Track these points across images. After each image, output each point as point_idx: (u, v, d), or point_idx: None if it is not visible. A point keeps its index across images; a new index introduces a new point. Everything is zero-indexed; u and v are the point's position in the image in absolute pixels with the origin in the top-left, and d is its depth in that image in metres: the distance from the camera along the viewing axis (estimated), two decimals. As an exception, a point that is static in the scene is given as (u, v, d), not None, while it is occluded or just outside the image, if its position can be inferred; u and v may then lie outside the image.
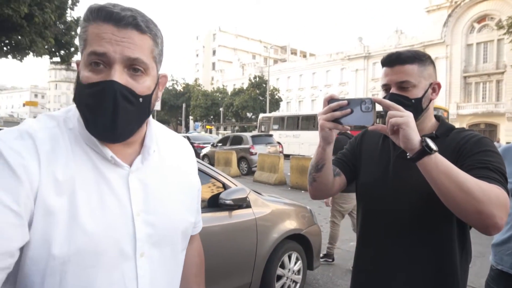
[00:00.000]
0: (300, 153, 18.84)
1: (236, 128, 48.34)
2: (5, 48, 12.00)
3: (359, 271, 1.34)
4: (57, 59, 14.02)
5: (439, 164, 0.95)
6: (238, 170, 13.66)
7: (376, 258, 1.25)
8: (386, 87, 1.20)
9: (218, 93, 53.05)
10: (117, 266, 0.74)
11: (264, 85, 44.20)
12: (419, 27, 46.36)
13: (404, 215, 1.18)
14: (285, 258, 3.23)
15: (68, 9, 13.16)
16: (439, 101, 32.33)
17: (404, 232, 1.18)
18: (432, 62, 1.22)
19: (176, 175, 0.90)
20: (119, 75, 0.71)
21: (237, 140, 15.03)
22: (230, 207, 2.69)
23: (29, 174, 0.67)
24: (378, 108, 1.01)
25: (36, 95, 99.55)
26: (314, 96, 53.09)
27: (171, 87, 57.44)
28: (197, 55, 76.12)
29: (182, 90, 57.86)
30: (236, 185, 2.87)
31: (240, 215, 2.79)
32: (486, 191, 0.92)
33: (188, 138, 17.22)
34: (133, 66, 0.73)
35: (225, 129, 50.72)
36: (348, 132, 4.28)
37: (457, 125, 1.26)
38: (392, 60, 1.19)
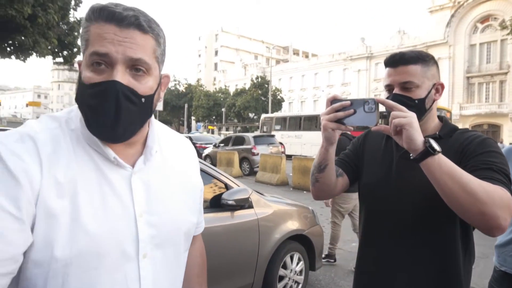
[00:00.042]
0: (302, 154, 18.83)
1: (238, 128, 48.35)
2: (8, 49, 12.05)
3: (361, 272, 1.33)
4: (60, 59, 14.07)
5: (443, 165, 0.94)
6: (240, 171, 13.66)
7: (378, 259, 1.25)
8: (389, 88, 1.20)
9: (220, 94, 53.09)
10: (120, 268, 0.73)
11: (266, 86, 44.19)
12: (422, 28, 46.18)
13: (407, 215, 1.17)
14: (287, 258, 3.23)
15: (71, 10, 13.20)
16: (442, 101, 32.22)
17: (407, 233, 1.18)
18: (435, 63, 1.21)
19: (179, 176, 0.89)
20: (121, 76, 0.71)
21: (239, 141, 15.04)
22: (232, 208, 2.69)
23: (30, 178, 0.66)
24: (381, 108, 1.00)
25: (39, 96, 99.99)
26: (316, 96, 53.05)
27: (173, 88, 57.58)
28: (199, 56, 76.22)
29: (184, 90, 57.97)
30: (239, 186, 2.87)
31: (242, 215, 2.79)
32: (489, 192, 0.91)
33: (190, 139, 17.23)
34: (135, 66, 0.73)
35: (227, 129, 50.74)
36: (348, 133, 4.26)
37: (460, 126, 1.26)
38: (395, 61, 1.18)
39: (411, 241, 1.17)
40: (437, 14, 39.63)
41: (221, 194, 2.68)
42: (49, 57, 13.39)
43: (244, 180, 12.12)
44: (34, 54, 12.25)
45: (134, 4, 0.87)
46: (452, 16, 37.92)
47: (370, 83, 45.78)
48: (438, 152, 0.94)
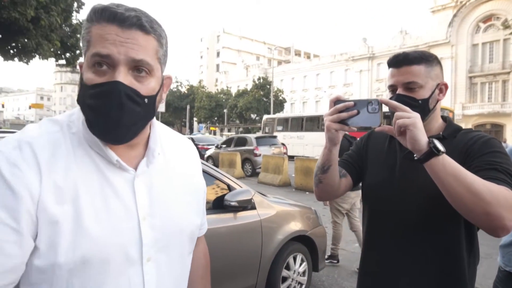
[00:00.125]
0: (304, 154, 18.81)
1: (240, 129, 48.36)
2: (11, 51, 12.11)
3: (365, 273, 1.33)
4: (63, 61, 14.12)
5: (447, 166, 0.94)
6: (242, 172, 13.66)
7: (381, 259, 1.24)
8: (392, 88, 1.19)
9: (222, 95, 53.13)
10: (123, 272, 0.73)
11: (268, 87, 44.19)
12: (424, 28, 46.09)
13: (410, 216, 1.17)
14: (290, 259, 3.22)
15: (74, 12, 13.25)
16: (444, 101, 32.03)
17: (410, 234, 1.17)
18: (439, 63, 1.21)
19: (181, 178, 0.89)
20: (123, 77, 0.70)
21: (241, 142, 15.05)
22: (235, 209, 2.69)
23: (28, 187, 0.65)
24: (384, 109, 1.00)
25: (42, 98, 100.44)
26: (318, 97, 53.02)
27: (175, 89, 57.66)
28: (201, 57, 76.34)
29: (186, 91, 58.04)
30: (241, 187, 2.87)
31: (245, 216, 2.78)
32: (494, 192, 0.91)
33: (193, 140, 17.25)
34: (138, 67, 0.72)
35: (229, 130, 50.73)
36: (347, 133, 4.27)
37: (462, 126, 1.25)
38: (399, 61, 1.18)
39: (415, 242, 1.16)
40: (439, 14, 39.54)
41: (224, 195, 2.68)
42: (52, 59, 13.47)
43: (246, 181, 12.11)
44: (37, 56, 12.31)
45: (136, 5, 0.86)
46: (455, 15, 37.83)
47: (372, 83, 45.71)
48: (443, 152, 0.94)
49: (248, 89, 47.59)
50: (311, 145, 20.57)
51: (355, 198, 4.54)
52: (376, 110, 0.98)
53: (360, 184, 1.39)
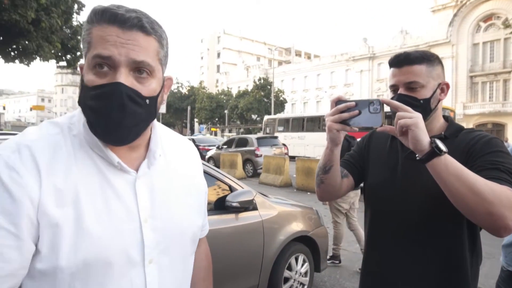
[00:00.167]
0: (305, 155, 18.79)
1: (241, 130, 48.35)
2: (12, 53, 12.15)
3: (367, 273, 1.32)
4: (64, 63, 14.17)
5: (449, 166, 0.93)
6: (243, 172, 13.65)
7: (382, 259, 1.24)
8: (394, 88, 1.19)
9: (223, 96, 53.17)
10: (125, 274, 0.72)
11: (269, 87, 44.21)
12: (424, 27, 46.05)
13: (412, 216, 1.16)
14: (292, 260, 3.22)
15: (74, 14, 13.30)
16: (445, 101, 31.94)
17: (412, 234, 1.17)
18: (440, 62, 1.20)
19: (183, 179, 0.89)
20: (124, 78, 0.70)
21: (243, 142, 15.05)
22: (237, 210, 2.68)
23: (28, 191, 0.65)
24: (386, 109, 1.00)
25: (43, 99, 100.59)
26: (319, 97, 53.01)
27: (176, 90, 57.68)
28: (202, 58, 76.46)
29: (187, 92, 58.06)
30: (242, 188, 2.86)
31: (247, 217, 2.78)
32: (496, 192, 0.90)
33: (194, 141, 17.26)
34: (139, 69, 0.72)
35: (230, 131, 50.71)
36: (346, 133, 4.27)
37: (463, 125, 1.25)
38: (400, 61, 1.18)
39: (417, 242, 1.16)
40: (440, 13, 39.51)
41: (225, 196, 2.68)
42: (53, 61, 13.50)
43: (248, 181, 12.11)
44: (38, 58, 12.36)
45: (136, 6, 0.86)
46: (455, 15, 37.80)
47: (372, 83, 45.67)
48: (445, 152, 0.93)
49: (249, 90, 47.61)
50: (312, 146, 20.55)
51: (354, 198, 4.54)
52: (377, 110, 0.97)
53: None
